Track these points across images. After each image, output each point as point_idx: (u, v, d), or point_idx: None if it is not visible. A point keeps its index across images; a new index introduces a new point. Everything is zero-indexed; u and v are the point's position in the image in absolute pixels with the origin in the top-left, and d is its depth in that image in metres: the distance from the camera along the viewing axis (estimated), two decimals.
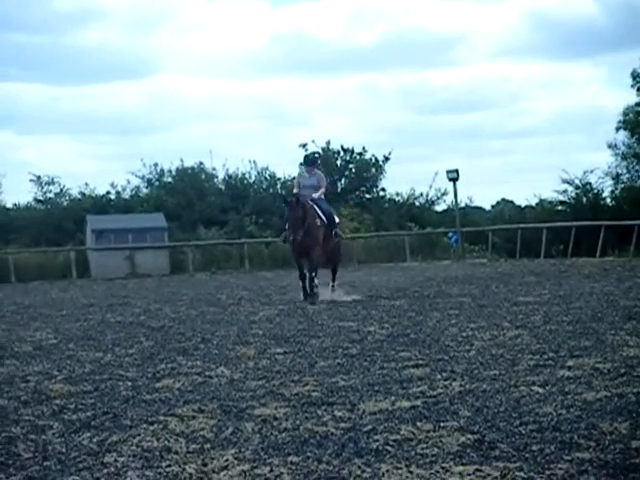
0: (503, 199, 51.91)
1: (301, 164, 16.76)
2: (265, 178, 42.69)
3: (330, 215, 16.05)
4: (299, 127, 69.04)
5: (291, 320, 12.11)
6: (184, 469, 4.50)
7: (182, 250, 32.13)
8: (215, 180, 42.44)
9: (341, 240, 16.73)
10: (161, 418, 5.80)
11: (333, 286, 16.40)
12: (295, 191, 16.14)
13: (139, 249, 31.14)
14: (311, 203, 15.72)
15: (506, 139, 74.49)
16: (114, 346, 10.01)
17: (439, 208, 43.49)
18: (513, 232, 32.70)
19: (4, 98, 67.25)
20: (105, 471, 4.56)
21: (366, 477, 4.24)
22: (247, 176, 42.59)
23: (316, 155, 17.40)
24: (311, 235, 15.38)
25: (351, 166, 42.56)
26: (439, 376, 6.99)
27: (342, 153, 42.57)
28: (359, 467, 4.41)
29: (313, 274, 15.55)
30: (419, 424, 5.27)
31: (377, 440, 4.94)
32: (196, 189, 40.45)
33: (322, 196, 16.33)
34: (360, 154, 42.58)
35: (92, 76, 70.84)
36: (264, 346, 9.40)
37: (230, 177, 42.22)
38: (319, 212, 15.77)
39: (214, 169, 42.61)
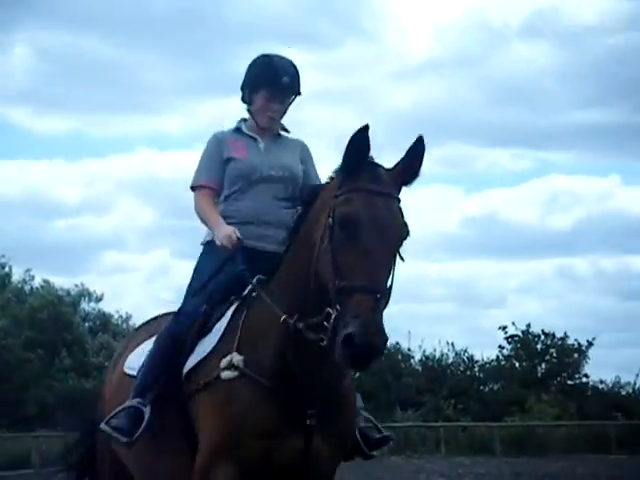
0: None
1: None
2: (463, 360, 42.17)
3: None
4: (494, 309, 68.27)
5: None
6: None
7: None
8: (412, 361, 42.26)
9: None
10: None
11: None
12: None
13: None
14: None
15: None
16: None
17: None
18: None
19: None
20: None
21: None
22: (444, 358, 42.23)
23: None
24: None
25: (552, 351, 41.46)
26: None
27: (542, 337, 41.63)
28: None
29: None
30: None
31: None
32: (392, 370, 40.35)
33: None
34: (562, 339, 41.49)
35: None
36: None
37: (427, 358, 41.93)
38: None
39: (409, 350, 42.51)
